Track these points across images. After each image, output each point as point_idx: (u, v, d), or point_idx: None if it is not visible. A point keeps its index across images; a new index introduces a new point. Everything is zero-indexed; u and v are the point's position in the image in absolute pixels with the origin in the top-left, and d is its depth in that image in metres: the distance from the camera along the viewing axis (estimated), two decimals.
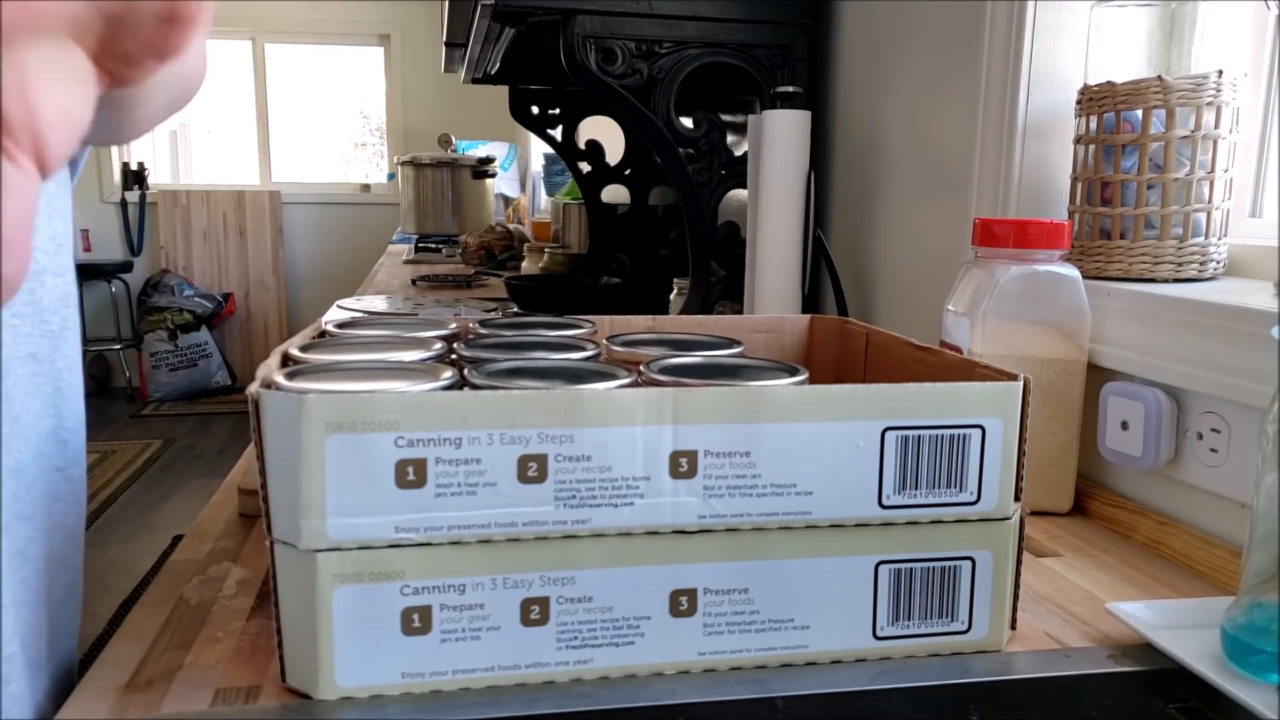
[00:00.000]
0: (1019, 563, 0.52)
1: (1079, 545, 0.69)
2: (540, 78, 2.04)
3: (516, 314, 1.13)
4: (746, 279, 1.22)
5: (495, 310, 1.76)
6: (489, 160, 3.22)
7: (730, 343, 0.66)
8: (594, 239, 2.16)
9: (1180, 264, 0.74)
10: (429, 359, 0.58)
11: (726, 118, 1.33)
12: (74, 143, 0.29)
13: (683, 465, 0.46)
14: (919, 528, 0.49)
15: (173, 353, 4.94)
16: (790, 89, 1.14)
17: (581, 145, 2.13)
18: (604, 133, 2.17)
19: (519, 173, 4.57)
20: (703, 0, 1.17)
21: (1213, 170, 0.73)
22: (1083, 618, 0.56)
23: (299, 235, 5.51)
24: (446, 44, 1.88)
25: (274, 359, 0.53)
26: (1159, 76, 0.72)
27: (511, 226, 3.08)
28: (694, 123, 1.23)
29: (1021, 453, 0.50)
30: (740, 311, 1.26)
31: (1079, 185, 0.79)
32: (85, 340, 5.01)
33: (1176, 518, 0.69)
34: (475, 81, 2.01)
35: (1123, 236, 0.75)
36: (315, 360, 0.56)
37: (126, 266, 5.14)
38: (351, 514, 0.43)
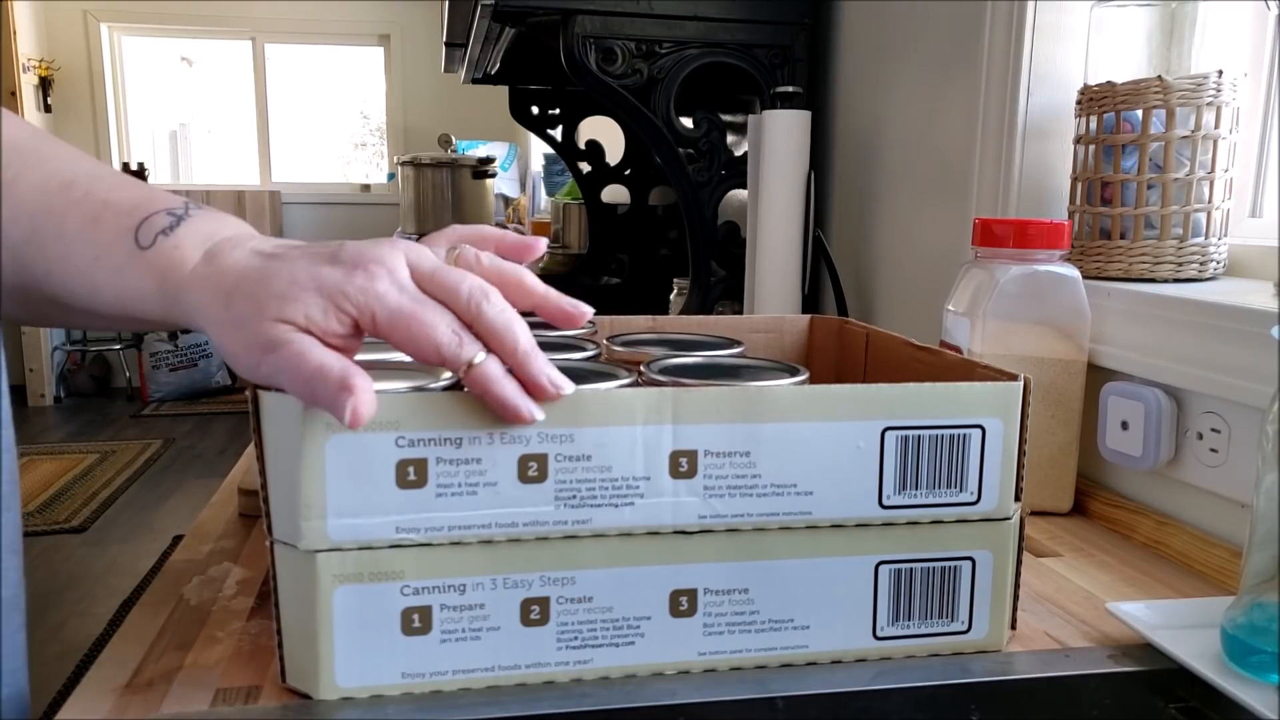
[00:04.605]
0: (1019, 563, 0.52)
1: (1079, 545, 0.69)
2: (540, 78, 2.04)
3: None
4: (746, 279, 1.22)
5: None
6: (489, 160, 3.22)
7: (730, 343, 0.66)
8: (594, 239, 2.16)
9: (1180, 264, 0.74)
10: None
11: (726, 118, 1.33)
12: None
13: (683, 465, 0.46)
14: (919, 528, 0.49)
15: (173, 353, 4.94)
16: (790, 89, 1.14)
17: (581, 145, 2.13)
18: (604, 133, 2.16)
19: (519, 173, 4.57)
20: (703, 0, 1.17)
21: (1213, 170, 0.73)
22: (1083, 618, 0.56)
23: (299, 235, 5.50)
24: (446, 44, 1.88)
25: None
26: (1159, 76, 0.72)
27: (511, 226, 3.07)
28: (694, 123, 1.22)
29: (1021, 453, 0.50)
30: (740, 311, 1.26)
31: (1079, 185, 0.79)
32: (85, 341, 5.06)
33: (1176, 518, 0.69)
34: (475, 81, 2.00)
35: (1123, 236, 0.75)
36: None
37: None
38: (352, 514, 0.43)
